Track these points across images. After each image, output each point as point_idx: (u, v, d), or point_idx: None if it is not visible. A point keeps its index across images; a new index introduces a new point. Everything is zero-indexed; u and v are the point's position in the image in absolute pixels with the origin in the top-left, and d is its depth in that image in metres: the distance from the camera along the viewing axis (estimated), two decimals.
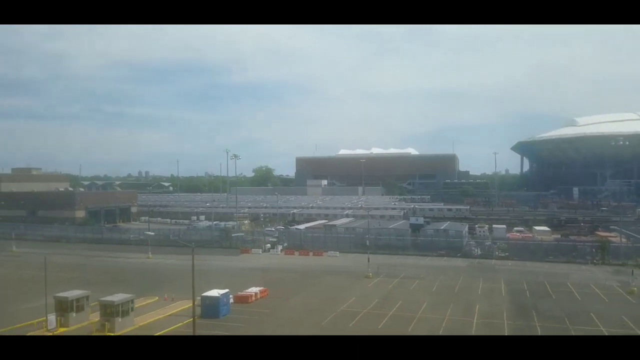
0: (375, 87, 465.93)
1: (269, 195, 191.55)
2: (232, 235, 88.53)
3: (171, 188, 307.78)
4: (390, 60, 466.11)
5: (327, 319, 40.86)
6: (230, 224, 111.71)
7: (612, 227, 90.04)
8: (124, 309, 38.42)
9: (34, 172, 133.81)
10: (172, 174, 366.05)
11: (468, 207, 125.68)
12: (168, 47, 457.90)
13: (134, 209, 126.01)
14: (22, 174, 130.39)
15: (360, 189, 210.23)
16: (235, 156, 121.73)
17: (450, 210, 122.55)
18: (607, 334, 35.97)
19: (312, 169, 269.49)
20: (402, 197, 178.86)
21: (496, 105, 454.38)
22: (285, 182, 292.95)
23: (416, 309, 43.52)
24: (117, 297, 38.48)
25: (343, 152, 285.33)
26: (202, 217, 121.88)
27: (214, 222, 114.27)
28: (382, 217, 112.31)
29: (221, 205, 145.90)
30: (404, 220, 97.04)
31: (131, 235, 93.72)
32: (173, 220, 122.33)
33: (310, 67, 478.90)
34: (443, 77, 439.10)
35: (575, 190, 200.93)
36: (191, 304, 46.71)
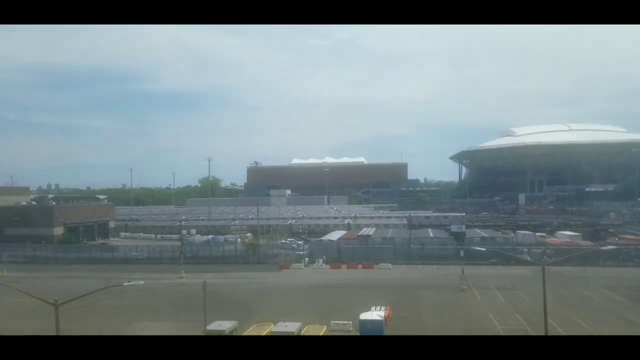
0: (303, 97, 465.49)
1: (231, 207, 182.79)
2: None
3: (105, 201, 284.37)
4: (315, 72, 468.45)
5: None
6: (231, 237, 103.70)
7: (628, 230, 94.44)
8: None
9: None
10: (88, 187, 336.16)
11: (463, 214, 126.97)
12: (76, 51, 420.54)
13: (111, 224, 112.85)
14: None
15: (325, 198, 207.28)
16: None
17: (446, 217, 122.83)
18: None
19: (265, 179, 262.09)
20: (375, 205, 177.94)
21: (421, 118, 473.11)
22: (231, 193, 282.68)
23: (586, 323, 40.86)
24: (292, 327, 32.02)
25: (296, 161, 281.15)
26: (194, 231, 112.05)
27: (211, 236, 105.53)
28: (386, 226, 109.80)
29: (201, 218, 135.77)
30: (428, 229, 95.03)
31: (136, 253, 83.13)
32: (159, 236, 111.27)
33: (233, 77, 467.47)
34: (370, 90, 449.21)
35: (522, 196, 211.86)
36: (324, 329, 40.91)
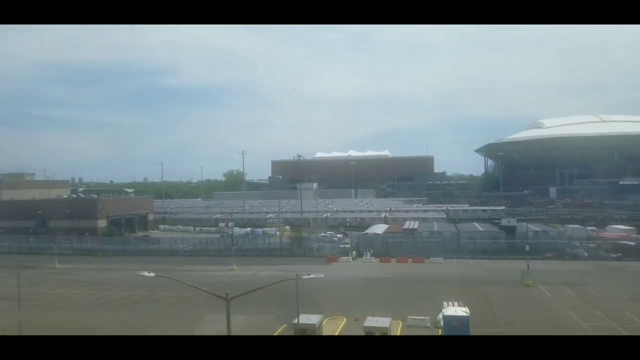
0: (322, 91, 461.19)
1: (258, 200, 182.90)
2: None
3: (132, 194, 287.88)
4: (331, 66, 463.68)
5: None
6: (270, 230, 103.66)
7: None
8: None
9: (27, 178, 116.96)
10: (111, 180, 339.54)
11: (503, 207, 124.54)
12: (98, 47, 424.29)
13: (150, 217, 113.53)
14: (16, 180, 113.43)
15: (352, 191, 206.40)
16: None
17: (484, 211, 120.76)
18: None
19: (289, 173, 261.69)
20: (404, 199, 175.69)
21: (440, 110, 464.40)
22: (254, 186, 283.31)
23: None
24: (380, 322, 31.16)
25: (319, 154, 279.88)
26: (231, 224, 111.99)
27: (249, 229, 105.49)
28: (424, 219, 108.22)
29: (235, 211, 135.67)
30: (473, 222, 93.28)
31: (182, 246, 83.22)
32: (197, 228, 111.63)
33: (250, 72, 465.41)
34: (388, 83, 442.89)
35: (553, 190, 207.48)
36: (400, 324, 40.01)
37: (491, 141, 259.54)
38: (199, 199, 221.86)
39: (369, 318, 32.76)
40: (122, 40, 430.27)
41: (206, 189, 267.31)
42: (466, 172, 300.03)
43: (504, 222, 78.54)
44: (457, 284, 55.00)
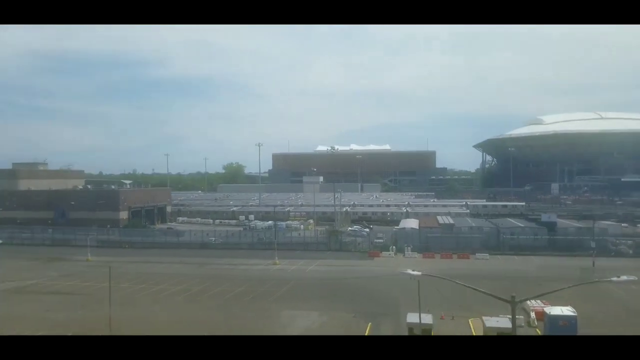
0: (310, 85, 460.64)
1: (265, 193, 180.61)
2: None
3: (128, 186, 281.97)
4: (323, 59, 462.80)
5: None
6: (293, 223, 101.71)
7: None
8: None
9: (41, 168, 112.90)
10: (100, 171, 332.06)
11: (523, 203, 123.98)
12: (84, 37, 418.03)
13: (168, 209, 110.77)
14: (30, 169, 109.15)
15: (358, 185, 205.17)
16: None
17: (505, 206, 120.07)
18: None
19: (290, 166, 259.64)
20: (412, 193, 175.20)
21: (433, 106, 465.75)
22: (253, 179, 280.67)
23: None
24: (501, 322, 29.63)
25: (320, 148, 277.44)
26: (252, 217, 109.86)
27: (271, 222, 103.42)
28: (448, 214, 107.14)
29: (250, 204, 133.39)
30: (507, 218, 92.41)
31: (213, 239, 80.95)
32: (217, 221, 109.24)
33: (241, 65, 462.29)
34: (385, 78, 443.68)
35: (555, 186, 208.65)
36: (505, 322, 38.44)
37: (490, 137, 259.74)
38: (200, 192, 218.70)
39: (486, 318, 31.24)
40: (111, 31, 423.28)
41: (204, 182, 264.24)
42: (458, 168, 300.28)
43: (545, 217, 77.72)
44: (519, 281, 53.63)
